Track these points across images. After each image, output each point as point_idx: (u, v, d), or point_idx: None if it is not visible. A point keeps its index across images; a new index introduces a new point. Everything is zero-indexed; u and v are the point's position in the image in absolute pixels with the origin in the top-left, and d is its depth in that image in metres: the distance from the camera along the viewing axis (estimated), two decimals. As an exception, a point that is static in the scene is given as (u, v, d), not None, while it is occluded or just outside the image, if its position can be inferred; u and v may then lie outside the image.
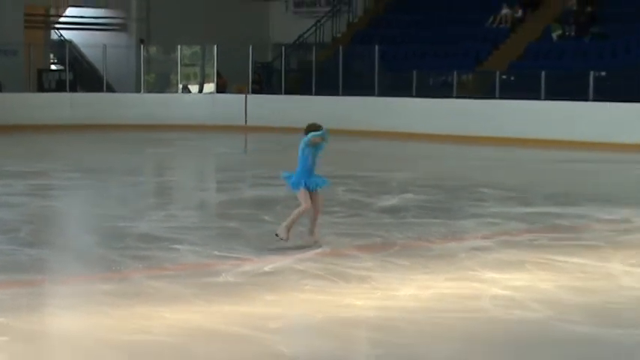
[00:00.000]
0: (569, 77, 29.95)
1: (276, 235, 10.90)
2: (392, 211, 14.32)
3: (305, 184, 10.93)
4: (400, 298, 8.62)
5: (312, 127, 11.07)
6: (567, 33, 33.30)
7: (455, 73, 32.62)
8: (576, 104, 28.76)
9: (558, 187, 18.50)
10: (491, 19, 35.80)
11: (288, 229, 10.90)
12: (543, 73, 29.83)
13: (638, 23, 32.17)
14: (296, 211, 10.97)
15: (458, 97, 31.90)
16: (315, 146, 11.01)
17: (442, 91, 32.50)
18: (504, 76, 31.93)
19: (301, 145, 11.01)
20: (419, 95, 32.42)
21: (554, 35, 33.51)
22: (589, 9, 33.34)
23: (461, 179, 19.80)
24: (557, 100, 29.10)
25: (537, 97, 29.56)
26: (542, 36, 34.09)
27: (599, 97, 28.66)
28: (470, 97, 31.58)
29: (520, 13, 35.53)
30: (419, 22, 37.47)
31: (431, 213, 14.26)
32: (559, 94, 29.23)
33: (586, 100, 28.83)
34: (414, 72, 32.75)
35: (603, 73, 29.77)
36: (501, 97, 30.73)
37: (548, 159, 23.52)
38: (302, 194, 10.93)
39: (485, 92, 31.63)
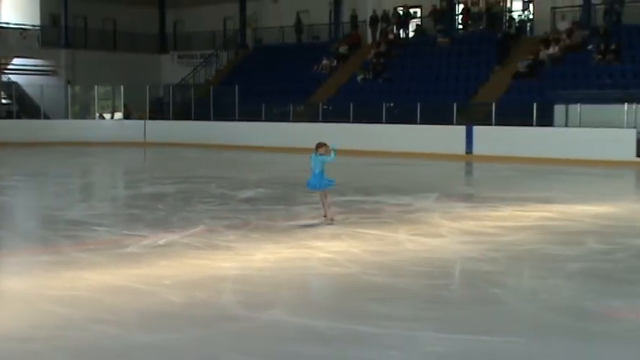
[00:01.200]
0: (369, 107, 30.41)
1: (330, 222, 11.16)
2: (249, 200, 14.30)
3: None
4: (255, 261, 8.62)
5: (321, 144, 11.28)
6: (368, 77, 33.77)
7: (291, 104, 32.85)
8: (375, 125, 29.25)
9: (363, 182, 18.71)
10: (315, 67, 36.12)
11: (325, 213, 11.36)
12: (351, 104, 30.29)
13: (411, 70, 32.90)
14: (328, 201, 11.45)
15: (294, 121, 32.17)
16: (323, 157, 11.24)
17: (282, 117, 32.67)
18: (325, 107, 32.26)
19: (316, 158, 11.21)
20: (267, 120, 32.58)
21: (359, 78, 33.94)
22: (382, 60, 33.88)
23: (296, 179, 19.83)
24: (361, 123, 29.58)
25: (348, 121, 29.97)
26: (351, 79, 34.51)
27: (389, 121, 29.28)
28: (302, 122, 31.85)
29: (335, 63, 35.91)
30: (267, 69, 37.60)
31: (276, 201, 14.29)
32: (363, 119, 29.72)
33: (381, 122, 29.36)
34: (263, 104, 32.89)
35: (392, 104, 30.38)
36: (323, 121, 31.10)
37: (358, 163, 23.75)
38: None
39: (312, 118, 31.90)
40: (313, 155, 11.22)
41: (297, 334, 5.89)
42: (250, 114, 32.97)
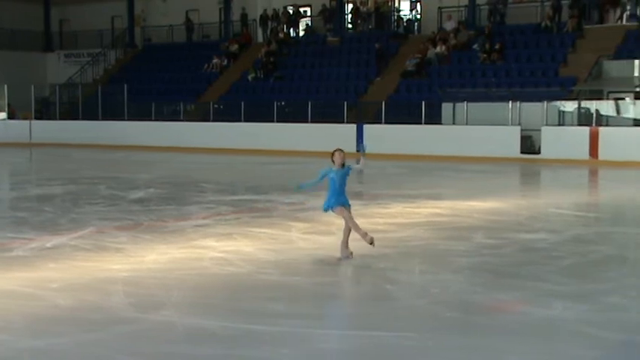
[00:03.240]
0: (260, 106, 30.41)
1: (339, 259, 8.60)
2: (139, 201, 14.05)
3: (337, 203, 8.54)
4: (146, 262, 8.46)
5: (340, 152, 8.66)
6: (258, 76, 33.73)
7: (182, 104, 32.55)
8: (266, 124, 29.26)
9: (255, 181, 18.67)
10: (205, 66, 35.87)
11: (346, 245, 8.67)
12: (242, 103, 30.21)
13: (302, 69, 33.02)
14: (345, 227, 8.65)
15: (184, 120, 31.91)
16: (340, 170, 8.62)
17: (173, 116, 32.37)
18: (216, 106, 32.08)
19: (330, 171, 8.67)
20: (157, 119, 32.20)
21: (250, 77, 33.87)
22: (272, 59, 33.90)
23: (186, 177, 19.70)
24: (252, 122, 29.54)
25: (239, 120, 29.89)
26: (242, 77, 34.41)
27: (281, 119, 29.35)
28: (193, 121, 31.63)
29: (225, 61, 35.72)
30: (157, 68, 37.17)
31: (166, 201, 14.08)
32: (253, 118, 29.69)
33: (272, 121, 29.38)
34: (153, 104, 32.47)
35: (283, 103, 30.44)
36: (214, 121, 30.93)
37: (249, 162, 23.71)
38: (339, 211, 8.55)
39: (203, 117, 31.69)
40: (331, 169, 8.63)
41: (189, 335, 5.80)
42: (140, 113, 32.54)
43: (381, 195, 15.22)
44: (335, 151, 8.69)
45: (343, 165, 8.61)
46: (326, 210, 8.69)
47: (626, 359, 5.55)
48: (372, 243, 8.48)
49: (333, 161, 8.66)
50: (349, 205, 8.62)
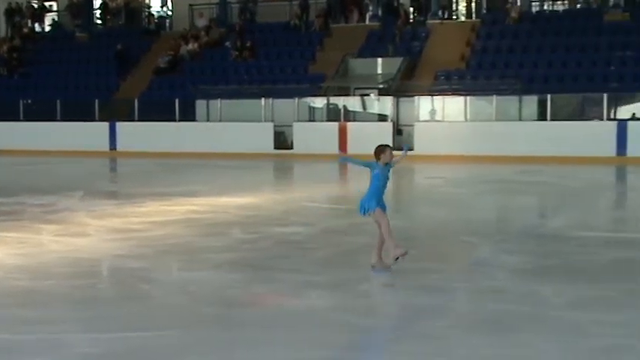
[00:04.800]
0: (4, 104, 29.03)
1: (373, 266, 7.73)
2: None
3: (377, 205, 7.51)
4: None
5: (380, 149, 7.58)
6: (2, 72, 32.12)
7: None
8: (12, 123, 28.08)
9: (1, 183, 17.78)
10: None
11: (379, 255, 7.71)
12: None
13: (49, 65, 31.80)
14: (380, 235, 7.60)
15: None
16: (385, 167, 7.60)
17: None
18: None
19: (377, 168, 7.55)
20: None
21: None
22: (16, 55, 32.43)
23: None
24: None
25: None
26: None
27: (28, 118, 28.26)
28: None
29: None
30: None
31: None
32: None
33: (18, 120, 28.16)
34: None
35: (29, 101, 29.26)
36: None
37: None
38: (380, 215, 7.52)
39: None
40: (376, 165, 7.57)
41: None
42: None
43: (135, 194, 14.96)
44: (385, 147, 7.57)
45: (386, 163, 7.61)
46: (365, 213, 7.55)
47: (373, 342, 5.81)
48: (401, 256, 7.45)
49: (378, 159, 7.57)
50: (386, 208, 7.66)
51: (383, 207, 7.54)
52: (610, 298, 6.76)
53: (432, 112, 25.48)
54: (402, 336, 5.81)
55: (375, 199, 7.49)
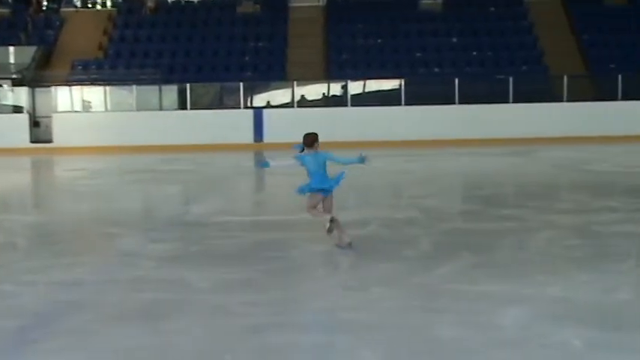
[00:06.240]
0: None
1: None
2: None
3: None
4: None
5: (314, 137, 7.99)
6: None
7: None
8: None
9: None
10: None
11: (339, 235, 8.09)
12: None
13: None
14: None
15: None
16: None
17: None
18: None
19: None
20: None
21: None
22: None
23: None
24: None
25: None
26: None
27: None
28: None
29: None
30: None
31: None
32: None
33: None
34: None
35: None
36: None
37: None
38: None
39: None
40: (305, 154, 7.99)
41: None
42: None
43: None
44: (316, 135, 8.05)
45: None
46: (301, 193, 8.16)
47: (18, 342, 5.51)
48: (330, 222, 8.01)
49: (311, 147, 8.01)
50: None
51: (317, 190, 7.96)
52: (254, 279, 6.98)
53: (86, 104, 24.92)
54: (49, 333, 5.55)
55: (308, 184, 8.02)
